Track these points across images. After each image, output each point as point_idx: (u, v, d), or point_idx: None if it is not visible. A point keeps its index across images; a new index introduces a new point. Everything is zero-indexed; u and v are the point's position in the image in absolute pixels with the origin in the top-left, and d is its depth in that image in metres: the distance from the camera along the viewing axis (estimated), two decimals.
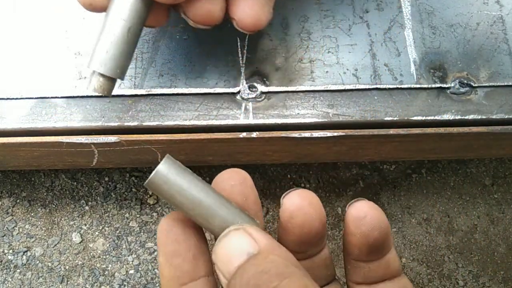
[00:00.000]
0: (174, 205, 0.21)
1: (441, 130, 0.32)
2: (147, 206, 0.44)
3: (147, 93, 0.32)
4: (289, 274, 0.18)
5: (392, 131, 0.32)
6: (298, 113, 0.32)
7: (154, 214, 0.44)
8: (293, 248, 0.22)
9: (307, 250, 0.23)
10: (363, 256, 0.23)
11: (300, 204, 0.21)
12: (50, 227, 0.43)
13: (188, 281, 0.21)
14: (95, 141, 0.31)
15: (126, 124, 0.32)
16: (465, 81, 0.33)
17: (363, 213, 0.22)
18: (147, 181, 0.21)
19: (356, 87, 0.33)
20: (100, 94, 0.27)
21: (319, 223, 0.21)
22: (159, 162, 0.24)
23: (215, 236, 0.21)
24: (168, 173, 0.21)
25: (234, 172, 0.22)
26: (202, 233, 0.22)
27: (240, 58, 0.34)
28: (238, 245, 0.19)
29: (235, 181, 0.21)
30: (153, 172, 0.21)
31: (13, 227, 0.43)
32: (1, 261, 0.42)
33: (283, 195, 0.22)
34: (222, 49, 0.34)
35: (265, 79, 0.33)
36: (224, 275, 0.19)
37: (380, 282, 0.23)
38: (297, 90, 0.33)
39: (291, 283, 0.17)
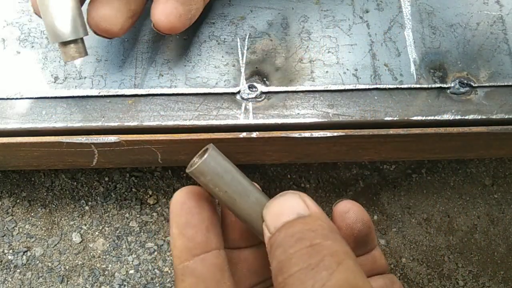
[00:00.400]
0: (213, 194, 0.22)
1: (441, 130, 0.32)
2: (147, 206, 0.44)
3: (147, 93, 0.32)
4: (333, 238, 0.19)
5: (392, 131, 0.32)
6: (298, 113, 0.32)
7: (154, 214, 0.44)
8: None
9: (355, 250, 0.24)
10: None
11: (351, 207, 0.24)
12: (50, 227, 0.43)
13: (200, 252, 0.22)
14: (95, 141, 0.31)
15: (126, 124, 0.32)
16: (465, 81, 0.33)
17: (346, 208, 0.24)
18: (194, 167, 0.22)
19: (356, 87, 0.33)
20: (78, 59, 0.29)
21: (367, 226, 0.24)
22: (159, 162, 0.25)
23: (249, 226, 0.23)
24: (214, 161, 0.22)
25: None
26: (215, 207, 0.23)
27: (240, 58, 0.34)
28: (291, 205, 0.21)
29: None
30: (201, 160, 0.22)
31: (13, 227, 0.43)
32: (1, 261, 0.42)
33: (334, 203, 0.25)
34: (222, 49, 0.34)
35: (265, 79, 0.33)
36: (269, 228, 0.20)
37: (368, 276, 0.25)
38: (297, 90, 0.33)
39: (333, 244, 0.18)
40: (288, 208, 0.20)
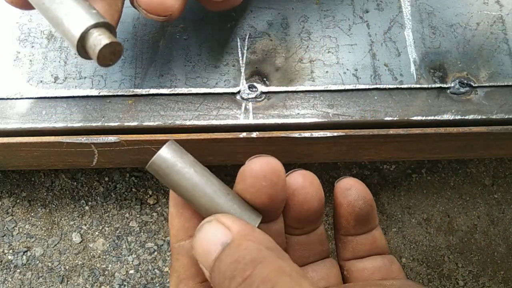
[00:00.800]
0: (173, 189, 0.21)
1: (441, 130, 0.32)
2: (147, 206, 0.44)
3: (147, 93, 0.32)
4: (262, 259, 0.18)
5: (392, 131, 0.32)
6: (298, 113, 0.32)
7: (154, 214, 0.44)
8: (291, 223, 0.23)
9: (304, 226, 0.24)
10: (351, 228, 0.24)
11: (302, 183, 0.22)
12: (50, 227, 0.43)
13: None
14: (95, 141, 0.31)
15: (126, 124, 0.32)
16: (465, 81, 0.33)
17: (349, 186, 0.24)
18: (148, 164, 0.21)
19: (356, 87, 0.33)
20: (113, 43, 0.23)
21: (318, 203, 0.22)
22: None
23: None
24: (170, 157, 0.21)
25: (267, 169, 0.21)
26: None
27: (240, 58, 0.34)
28: (212, 236, 0.19)
29: (267, 181, 0.21)
30: (155, 155, 0.21)
31: (13, 227, 0.43)
32: (1, 261, 0.42)
33: (287, 173, 0.22)
34: (222, 49, 0.34)
35: (265, 79, 0.33)
36: (206, 268, 0.19)
37: (368, 256, 0.25)
38: (297, 90, 0.33)
39: (263, 268, 0.17)
40: (211, 241, 0.19)
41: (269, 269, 0.17)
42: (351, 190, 0.24)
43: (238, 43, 0.34)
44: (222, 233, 0.19)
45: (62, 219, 0.44)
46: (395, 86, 0.33)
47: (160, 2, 0.25)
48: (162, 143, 0.32)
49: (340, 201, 0.24)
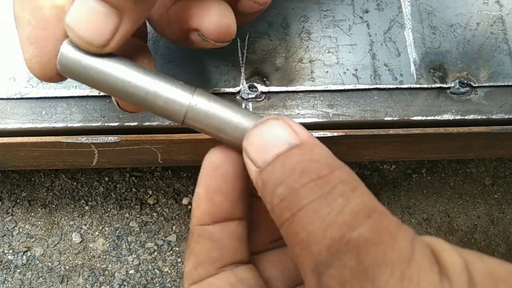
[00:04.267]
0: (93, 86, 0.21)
1: (441, 130, 0.32)
2: (147, 206, 0.44)
3: None
4: (339, 166, 0.17)
5: (392, 131, 0.32)
6: (298, 113, 0.32)
7: (154, 214, 0.44)
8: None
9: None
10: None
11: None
12: (50, 227, 0.43)
13: (222, 220, 0.21)
14: (95, 141, 0.31)
15: (126, 124, 0.32)
16: (465, 81, 0.33)
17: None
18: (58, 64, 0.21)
19: (356, 87, 0.33)
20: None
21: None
22: (159, 162, 0.24)
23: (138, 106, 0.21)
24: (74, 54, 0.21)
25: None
26: (248, 175, 0.21)
27: (240, 58, 0.34)
28: (278, 134, 0.18)
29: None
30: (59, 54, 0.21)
31: (13, 227, 0.43)
32: (1, 261, 0.42)
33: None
34: (222, 49, 0.34)
35: (265, 79, 0.33)
36: (256, 162, 0.18)
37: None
38: (297, 90, 0.33)
39: (342, 173, 0.17)
40: (275, 138, 0.18)
41: (347, 175, 0.17)
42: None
43: (238, 43, 0.34)
44: (290, 134, 0.18)
45: (62, 219, 0.44)
46: (395, 86, 0.33)
47: (227, 28, 0.24)
48: (162, 143, 0.32)
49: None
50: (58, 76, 0.22)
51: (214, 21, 0.24)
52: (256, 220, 0.23)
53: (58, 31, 0.21)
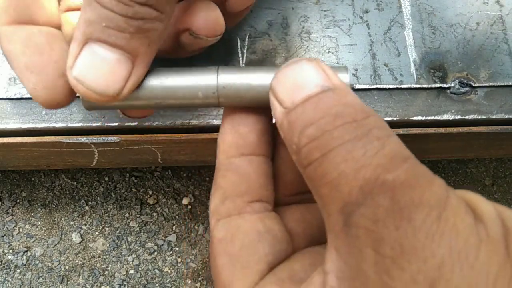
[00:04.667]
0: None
1: (441, 130, 0.32)
2: (147, 206, 0.44)
3: None
4: (374, 113, 0.17)
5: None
6: None
7: (154, 214, 0.44)
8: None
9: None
10: None
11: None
12: (50, 227, 0.43)
13: (248, 153, 0.21)
14: (95, 141, 0.31)
15: (126, 124, 0.32)
16: (465, 81, 0.33)
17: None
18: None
19: (356, 87, 0.33)
20: None
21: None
22: (159, 162, 0.24)
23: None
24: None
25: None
26: (270, 117, 0.21)
27: (240, 58, 0.34)
28: (310, 75, 0.18)
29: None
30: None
31: (13, 227, 0.43)
32: (1, 261, 0.42)
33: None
34: (222, 49, 0.34)
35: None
36: (283, 102, 0.18)
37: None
38: None
39: (377, 120, 0.16)
40: (307, 79, 0.17)
41: (382, 123, 0.16)
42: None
43: (238, 43, 0.34)
44: (323, 77, 0.18)
45: (62, 219, 0.44)
46: (395, 86, 0.33)
47: (215, 20, 0.25)
48: (162, 143, 0.32)
49: None
50: (67, 98, 0.22)
51: (202, 16, 0.24)
52: (278, 170, 0.23)
53: (54, 54, 0.21)
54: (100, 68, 0.19)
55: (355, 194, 0.15)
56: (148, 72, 0.21)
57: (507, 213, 0.15)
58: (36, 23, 0.22)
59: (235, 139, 0.21)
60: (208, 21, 0.24)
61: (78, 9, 0.24)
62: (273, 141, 0.22)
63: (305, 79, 0.18)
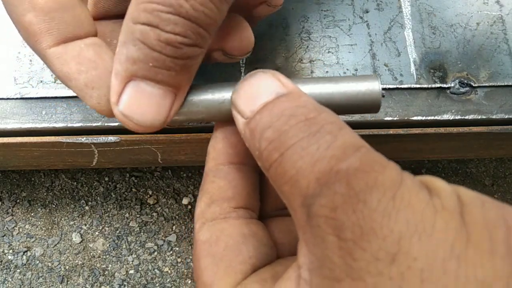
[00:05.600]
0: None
1: (441, 130, 0.32)
2: (147, 206, 0.44)
3: None
4: (326, 110, 0.18)
5: (392, 131, 0.32)
6: None
7: (154, 214, 0.44)
8: None
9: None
10: None
11: None
12: (50, 227, 0.43)
13: (237, 161, 0.22)
14: (95, 141, 0.31)
15: None
16: (465, 81, 0.33)
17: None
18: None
19: None
20: None
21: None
22: (159, 162, 0.24)
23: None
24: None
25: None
26: None
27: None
28: (265, 84, 0.19)
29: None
30: None
31: (13, 227, 0.43)
32: (1, 261, 0.42)
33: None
34: None
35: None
36: (244, 113, 0.19)
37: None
38: None
39: (329, 116, 0.17)
40: (263, 88, 0.19)
41: (334, 118, 0.17)
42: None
43: None
44: (278, 85, 0.19)
45: (62, 219, 0.44)
46: (395, 86, 0.33)
47: (248, 41, 0.25)
48: (162, 143, 0.32)
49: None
50: None
51: (236, 37, 0.25)
52: (266, 183, 0.23)
53: (106, 64, 0.21)
54: (146, 103, 0.20)
55: (313, 187, 0.15)
56: None
57: (463, 190, 0.15)
58: (79, 37, 0.22)
59: (226, 148, 0.22)
60: (242, 42, 0.25)
61: (105, 17, 0.24)
62: None
63: (261, 89, 0.19)
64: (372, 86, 0.21)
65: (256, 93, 0.19)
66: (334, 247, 0.14)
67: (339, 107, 0.21)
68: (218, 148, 0.22)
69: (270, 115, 0.18)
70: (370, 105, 0.22)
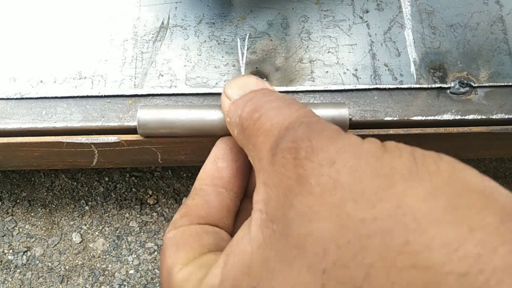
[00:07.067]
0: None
1: (441, 130, 0.32)
2: (147, 206, 0.44)
3: (147, 93, 0.32)
4: (292, 100, 0.22)
5: (392, 131, 0.32)
6: None
7: (154, 214, 0.44)
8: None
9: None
10: None
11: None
12: (50, 227, 0.43)
13: (220, 185, 0.24)
14: (95, 141, 0.31)
15: (126, 124, 0.32)
16: (465, 81, 0.33)
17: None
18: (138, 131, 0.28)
19: (356, 87, 0.33)
20: None
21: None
22: (159, 162, 0.25)
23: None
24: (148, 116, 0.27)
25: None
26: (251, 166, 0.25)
27: (240, 58, 0.33)
28: (253, 81, 0.24)
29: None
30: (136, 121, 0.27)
31: (13, 227, 0.43)
32: (1, 261, 0.42)
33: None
34: (222, 49, 0.34)
35: (265, 79, 0.33)
36: (231, 97, 0.23)
37: None
38: (297, 90, 0.33)
39: (296, 101, 0.22)
40: (250, 82, 0.23)
41: (299, 103, 0.22)
42: None
43: (238, 43, 0.34)
44: (262, 84, 0.24)
45: (62, 219, 0.44)
46: (395, 86, 0.33)
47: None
48: (162, 143, 0.32)
49: None
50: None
51: None
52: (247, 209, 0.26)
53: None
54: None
55: (282, 132, 0.19)
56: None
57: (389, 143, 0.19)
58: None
59: (212, 171, 0.24)
60: None
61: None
62: (248, 186, 0.26)
63: (249, 83, 0.24)
64: (342, 113, 0.27)
65: (244, 85, 0.23)
66: (290, 165, 0.18)
67: None
68: (205, 169, 0.25)
69: (255, 94, 0.22)
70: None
